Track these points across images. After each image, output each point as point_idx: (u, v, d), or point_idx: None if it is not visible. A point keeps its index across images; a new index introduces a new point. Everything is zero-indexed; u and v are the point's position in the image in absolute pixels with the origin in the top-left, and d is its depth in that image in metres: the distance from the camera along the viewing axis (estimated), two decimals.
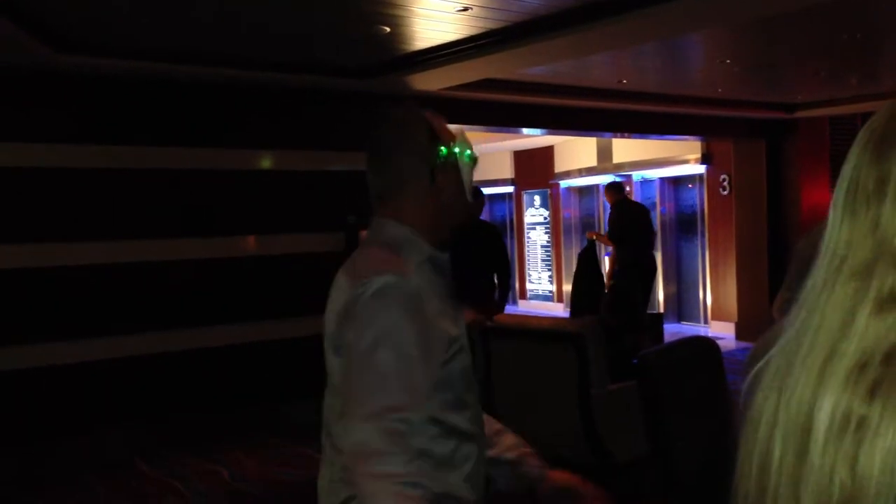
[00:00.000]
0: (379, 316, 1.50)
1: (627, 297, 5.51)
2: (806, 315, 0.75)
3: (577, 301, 8.74)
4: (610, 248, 9.28)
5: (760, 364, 0.79)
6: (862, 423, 0.67)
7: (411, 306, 1.51)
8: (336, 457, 1.59)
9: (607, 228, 9.22)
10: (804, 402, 0.72)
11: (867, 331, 0.70)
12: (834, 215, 0.79)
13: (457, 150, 1.71)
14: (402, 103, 1.86)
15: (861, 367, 0.69)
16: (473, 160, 1.75)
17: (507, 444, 1.88)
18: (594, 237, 9.25)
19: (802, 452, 0.71)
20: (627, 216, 8.81)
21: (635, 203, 9.56)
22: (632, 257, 8.58)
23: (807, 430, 0.71)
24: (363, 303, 1.51)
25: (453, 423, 1.62)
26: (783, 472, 0.73)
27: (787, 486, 0.72)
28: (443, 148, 1.68)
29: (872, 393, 0.67)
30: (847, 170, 0.78)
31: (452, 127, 1.79)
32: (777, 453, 0.74)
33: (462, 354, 1.64)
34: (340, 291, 1.60)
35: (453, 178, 1.70)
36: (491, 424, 1.90)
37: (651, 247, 8.89)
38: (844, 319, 0.72)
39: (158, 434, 6.04)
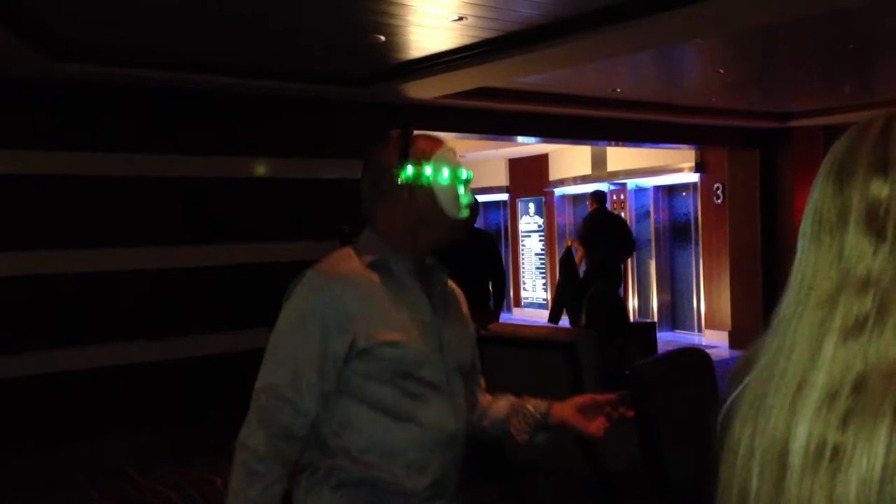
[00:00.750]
0: (293, 304, 1.74)
1: (602, 303, 5.49)
2: (777, 343, 0.77)
3: (555, 305, 9.27)
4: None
5: (737, 391, 0.79)
6: (836, 452, 0.68)
7: (320, 297, 1.70)
8: None
9: (578, 234, 9.64)
10: (778, 431, 0.73)
11: (835, 360, 0.71)
12: (801, 244, 0.80)
13: (428, 168, 1.77)
14: (399, 120, 1.92)
15: (832, 396, 0.69)
16: (456, 177, 1.80)
17: (500, 405, 2.00)
18: (570, 243, 9.72)
19: (779, 482, 0.72)
20: (597, 223, 9.07)
21: (609, 213, 9.70)
22: (598, 263, 8.87)
23: (783, 459, 0.72)
24: (289, 293, 1.77)
25: (385, 405, 1.72)
26: (761, 502, 0.74)
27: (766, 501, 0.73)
28: (409, 167, 1.77)
29: (845, 422, 0.68)
30: (812, 199, 0.80)
31: (448, 143, 1.84)
32: (755, 483, 0.75)
33: (394, 349, 1.71)
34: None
35: (422, 195, 1.77)
36: (484, 405, 2.02)
37: (622, 255, 9.09)
38: (812, 348, 0.73)
39: (152, 443, 6.02)
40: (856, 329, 0.70)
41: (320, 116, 6.89)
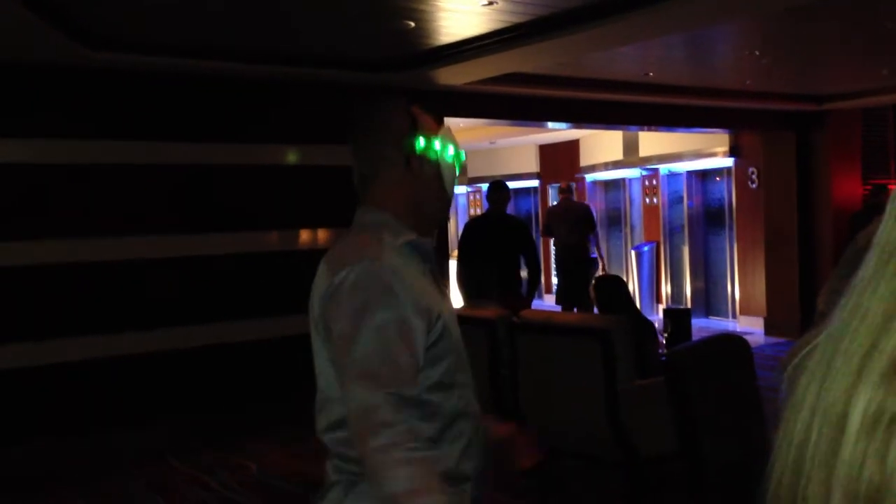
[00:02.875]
0: (359, 302, 1.56)
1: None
2: (852, 306, 0.76)
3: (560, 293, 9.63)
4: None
5: (807, 349, 0.78)
6: (894, 420, 0.67)
7: (389, 290, 1.57)
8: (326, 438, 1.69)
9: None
10: (841, 392, 0.73)
11: None
12: (891, 208, 0.78)
13: (437, 143, 1.76)
14: (388, 96, 1.89)
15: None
16: (457, 157, 1.80)
17: None
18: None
19: (836, 442, 0.72)
20: (555, 214, 9.67)
21: (572, 203, 9.92)
22: (559, 250, 9.52)
23: (842, 420, 0.72)
24: (343, 291, 1.58)
25: (438, 402, 1.65)
26: (817, 459, 0.74)
27: (820, 473, 0.73)
28: (421, 138, 1.73)
29: None
30: None
31: (449, 124, 1.84)
32: (813, 439, 0.75)
33: (447, 334, 1.66)
34: (321, 278, 1.66)
35: (430, 169, 1.74)
36: None
37: (580, 241, 9.39)
38: (887, 315, 0.72)
39: (187, 429, 6.09)
40: None
41: (349, 103, 6.88)
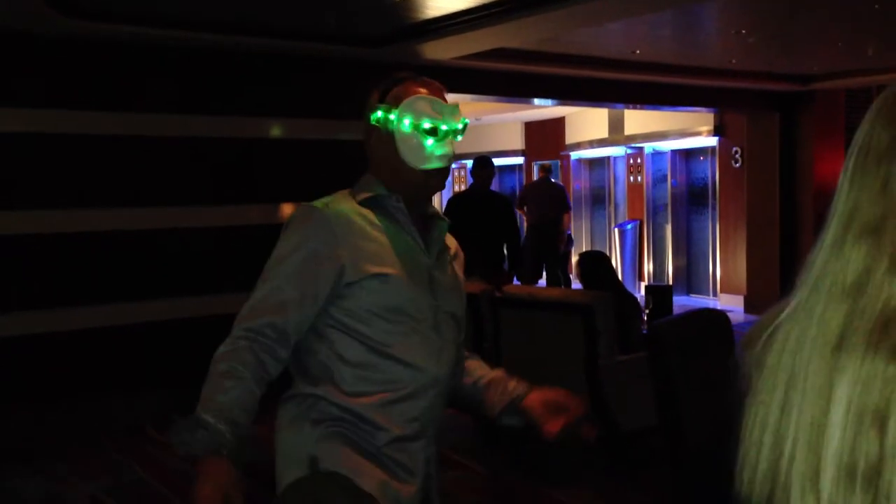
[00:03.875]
0: (287, 234, 1.79)
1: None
2: (817, 275, 0.75)
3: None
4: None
5: (770, 328, 0.78)
6: (889, 381, 0.66)
7: (312, 227, 1.74)
8: None
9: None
10: (825, 362, 0.71)
11: (883, 288, 0.69)
12: (843, 178, 0.79)
13: (392, 115, 1.77)
14: (399, 70, 1.90)
15: (883, 325, 0.68)
16: (416, 128, 1.76)
17: (484, 371, 2.02)
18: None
19: (822, 419, 0.70)
20: (533, 190, 10.21)
21: (551, 183, 10.44)
22: (532, 227, 10.09)
23: (825, 395, 0.71)
24: (285, 224, 1.82)
25: (368, 341, 1.73)
26: (801, 438, 0.72)
27: (805, 452, 0.72)
28: (379, 111, 1.79)
29: (893, 354, 0.67)
30: (860, 134, 0.79)
31: (432, 92, 1.81)
32: (794, 418, 0.73)
33: (382, 283, 1.73)
34: None
35: (384, 139, 1.80)
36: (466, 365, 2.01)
37: (548, 214, 9.88)
38: (859, 279, 0.72)
39: (169, 401, 6.07)
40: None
41: (337, 77, 6.83)
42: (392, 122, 1.77)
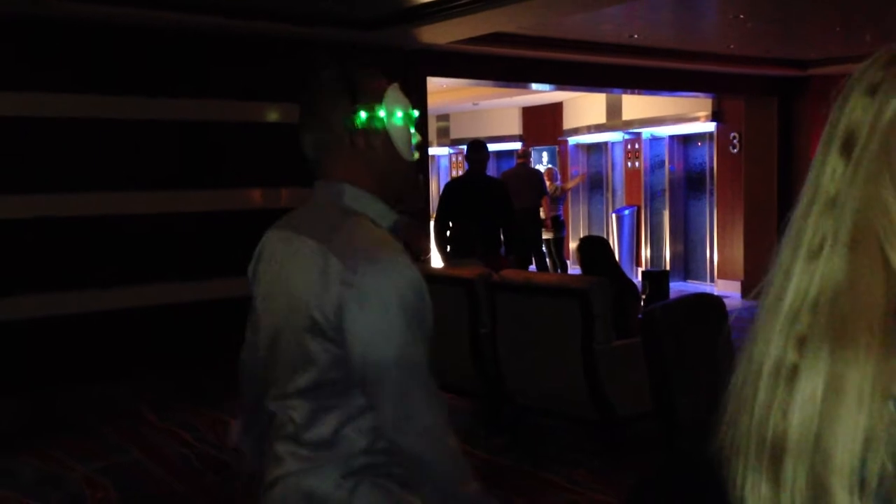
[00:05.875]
0: (406, 317, 1.45)
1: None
2: (777, 257, 0.78)
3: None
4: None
5: (758, 289, 0.81)
6: (793, 371, 0.68)
7: (419, 289, 1.47)
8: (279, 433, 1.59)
9: None
10: (764, 342, 0.73)
11: (800, 278, 0.71)
12: (815, 159, 0.82)
13: (382, 112, 1.61)
14: (325, 56, 1.73)
15: (795, 313, 0.70)
16: (408, 118, 1.64)
17: None
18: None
19: (755, 389, 0.72)
20: (511, 177, 9.94)
21: (529, 169, 10.44)
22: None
23: (758, 369, 0.72)
24: (378, 297, 1.44)
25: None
26: (744, 406, 0.74)
27: (744, 420, 0.74)
28: (363, 112, 1.59)
29: (801, 343, 0.69)
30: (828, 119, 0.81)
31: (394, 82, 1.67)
32: (748, 390, 0.76)
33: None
34: (324, 266, 1.49)
35: (378, 141, 1.60)
36: None
37: (533, 204, 9.86)
38: (789, 264, 0.74)
39: (166, 385, 6.09)
40: (817, 248, 0.72)
41: (334, 61, 6.80)
42: (382, 119, 1.61)
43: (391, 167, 1.63)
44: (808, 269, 0.71)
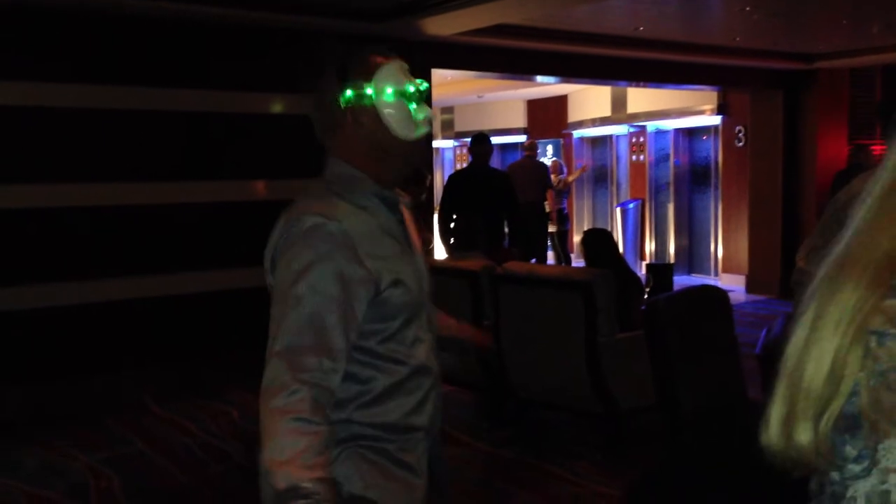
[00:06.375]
0: (302, 254, 1.56)
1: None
2: (858, 225, 0.83)
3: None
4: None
5: (822, 264, 0.83)
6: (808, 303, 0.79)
7: (333, 247, 1.56)
8: None
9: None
10: (847, 292, 0.79)
11: (848, 224, 0.80)
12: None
13: (370, 89, 1.64)
14: (325, 44, 1.79)
15: (832, 255, 0.80)
16: (401, 94, 1.66)
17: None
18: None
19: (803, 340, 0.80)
20: (517, 170, 9.88)
21: (535, 162, 10.36)
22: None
23: (821, 311, 0.79)
24: (290, 241, 1.59)
25: (396, 355, 1.65)
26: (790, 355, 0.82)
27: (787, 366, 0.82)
28: (349, 90, 1.64)
29: (823, 279, 0.79)
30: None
31: (398, 58, 1.72)
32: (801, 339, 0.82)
33: (403, 291, 1.63)
34: (276, 230, 1.66)
35: (367, 117, 1.65)
36: None
37: (538, 198, 9.87)
38: (872, 232, 0.80)
39: (169, 376, 6.10)
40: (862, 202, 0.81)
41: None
42: (370, 96, 1.64)
43: (383, 144, 1.66)
44: (853, 217, 0.81)
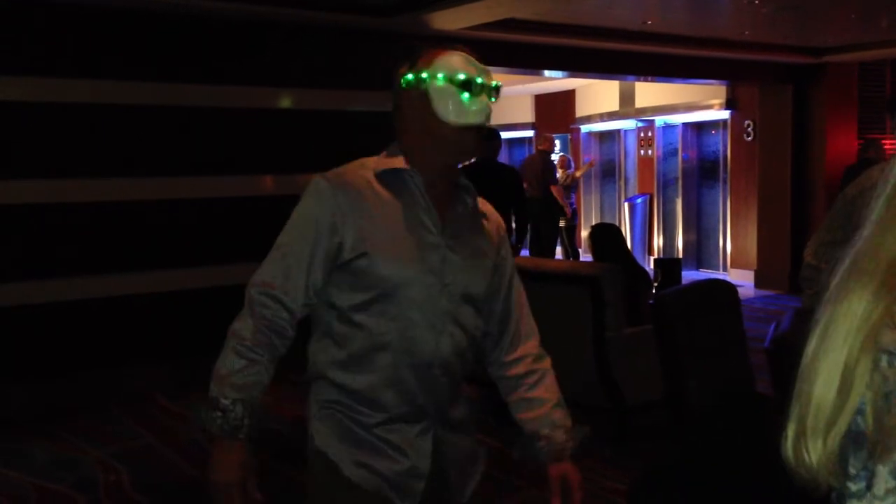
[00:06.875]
0: (296, 206, 1.78)
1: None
2: (869, 227, 0.81)
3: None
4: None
5: (836, 269, 0.82)
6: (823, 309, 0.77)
7: (317, 199, 1.73)
8: None
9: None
10: (856, 299, 0.77)
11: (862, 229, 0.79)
12: None
13: (425, 74, 1.74)
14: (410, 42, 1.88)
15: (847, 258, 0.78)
16: (450, 80, 1.72)
17: (541, 410, 1.98)
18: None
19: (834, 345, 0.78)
20: (526, 163, 10.03)
21: (539, 155, 10.35)
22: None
23: (831, 320, 0.77)
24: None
25: (368, 327, 1.74)
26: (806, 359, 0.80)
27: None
28: (408, 76, 1.76)
29: (837, 283, 0.77)
30: None
31: (464, 52, 1.78)
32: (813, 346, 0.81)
33: (373, 266, 1.71)
34: None
35: (420, 99, 1.74)
36: (527, 360, 2.01)
37: (541, 192, 9.77)
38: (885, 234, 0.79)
39: (178, 370, 6.12)
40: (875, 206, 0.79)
41: (344, 47, 6.79)
42: (425, 80, 1.73)
43: (431, 127, 1.74)
44: (865, 219, 0.79)
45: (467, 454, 1.92)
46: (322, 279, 1.73)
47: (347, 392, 1.76)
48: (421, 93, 1.74)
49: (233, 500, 1.69)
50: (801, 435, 0.74)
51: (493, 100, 1.79)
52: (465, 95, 1.73)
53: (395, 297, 1.73)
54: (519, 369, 1.99)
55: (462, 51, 1.79)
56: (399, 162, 1.77)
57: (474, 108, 1.74)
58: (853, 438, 0.72)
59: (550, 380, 2.01)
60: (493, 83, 1.79)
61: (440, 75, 1.73)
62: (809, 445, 0.74)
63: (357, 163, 1.82)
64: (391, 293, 1.72)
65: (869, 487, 0.70)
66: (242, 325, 1.72)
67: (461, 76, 1.73)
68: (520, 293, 2.02)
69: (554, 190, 10.06)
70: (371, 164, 1.80)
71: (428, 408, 1.79)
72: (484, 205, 1.93)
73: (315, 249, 1.72)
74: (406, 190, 1.76)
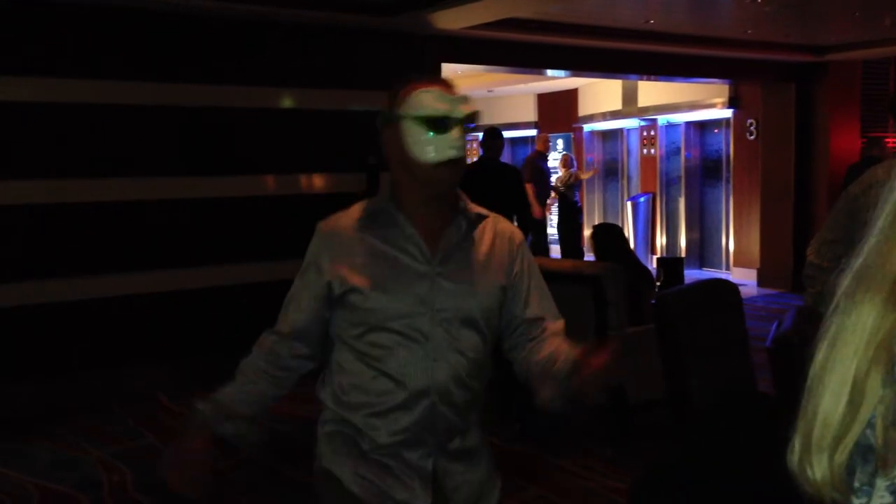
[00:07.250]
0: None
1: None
2: (876, 237, 0.80)
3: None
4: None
5: (842, 277, 0.80)
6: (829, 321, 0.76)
7: (317, 242, 1.89)
8: None
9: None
10: (865, 312, 0.76)
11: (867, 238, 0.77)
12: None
13: (400, 111, 1.78)
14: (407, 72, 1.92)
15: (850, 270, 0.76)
16: (420, 119, 1.75)
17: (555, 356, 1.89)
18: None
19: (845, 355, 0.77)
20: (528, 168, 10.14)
21: (535, 156, 10.55)
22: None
23: (839, 333, 0.76)
24: None
25: (366, 357, 1.82)
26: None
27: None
28: (387, 112, 1.82)
29: (844, 294, 0.76)
30: None
31: (444, 85, 1.82)
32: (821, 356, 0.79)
33: (357, 297, 1.80)
34: None
35: (395, 141, 1.80)
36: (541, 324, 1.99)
37: (541, 194, 10.01)
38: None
39: (181, 370, 6.12)
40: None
41: (346, 46, 6.79)
42: (398, 118, 1.78)
43: (406, 163, 1.79)
44: (872, 225, 0.77)
45: (476, 486, 1.90)
46: (317, 311, 1.87)
47: (346, 419, 1.86)
48: (396, 129, 1.80)
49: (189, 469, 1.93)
50: (805, 451, 0.73)
51: (472, 126, 1.83)
52: (430, 134, 1.76)
53: (385, 328, 1.80)
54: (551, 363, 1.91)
55: (437, 84, 1.81)
56: (384, 199, 1.85)
57: (444, 144, 1.76)
58: (861, 452, 0.71)
59: (566, 346, 1.93)
60: (467, 113, 1.80)
61: (412, 114, 1.77)
62: (814, 461, 0.72)
63: (355, 206, 1.92)
64: (381, 324, 1.80)
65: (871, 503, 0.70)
66: (252, 354, 1.97)
67: (429, 115, 1.76)
68: (542, 294, 2.03)
69: (528, 188, 10.04)
70: (363, 206, 1.90)
71: (425, 436, 1.81)
72: (495, 222, 1.93)
73: (309, 287, 1.87)
74: (392, 224, 1.83)
